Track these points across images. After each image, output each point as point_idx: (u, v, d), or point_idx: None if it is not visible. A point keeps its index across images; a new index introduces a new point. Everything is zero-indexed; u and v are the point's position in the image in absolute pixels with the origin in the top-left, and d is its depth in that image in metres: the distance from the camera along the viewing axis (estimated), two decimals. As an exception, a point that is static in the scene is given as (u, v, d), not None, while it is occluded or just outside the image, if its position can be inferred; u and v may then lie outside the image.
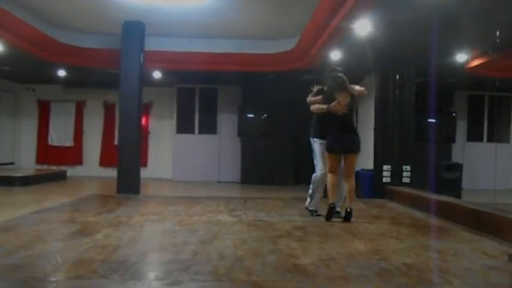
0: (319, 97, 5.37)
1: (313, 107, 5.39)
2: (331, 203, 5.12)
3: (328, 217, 5.11)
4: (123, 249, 3.57)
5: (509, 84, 10.24)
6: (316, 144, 5.44)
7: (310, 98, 5.52)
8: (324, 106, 5.15)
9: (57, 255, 3.34)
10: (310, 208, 5.53)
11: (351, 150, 5.16)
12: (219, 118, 12.45)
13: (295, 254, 3.57)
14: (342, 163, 5.25)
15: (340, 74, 5.24)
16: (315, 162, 5.48)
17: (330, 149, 5.17)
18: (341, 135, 5.14)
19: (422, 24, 6.41)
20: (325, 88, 5.47)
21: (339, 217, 5.22)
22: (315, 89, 5.61)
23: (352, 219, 5.07)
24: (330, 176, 5.20)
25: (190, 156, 12.20)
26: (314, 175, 5.47)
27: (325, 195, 5.51)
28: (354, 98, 5.21)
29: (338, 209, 5.32)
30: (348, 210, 5.08)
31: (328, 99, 5.18)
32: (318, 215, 5.42)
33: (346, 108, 5.07)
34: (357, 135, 5.27)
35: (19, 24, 7.19)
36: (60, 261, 3.20)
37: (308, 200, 5.56)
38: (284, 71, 9.35)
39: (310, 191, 5.51)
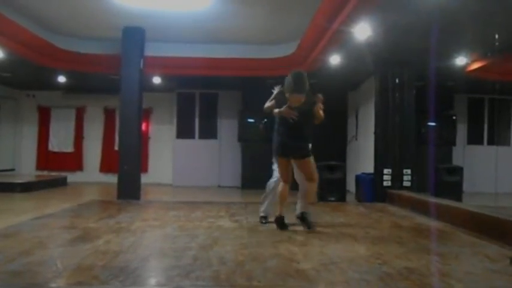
0: (273, 101, 4.89)
1: (267, 109, 4.98)
2: (280, 215, 4.78)
3: (280, 227, 4.77)
4: (124, 255, 3.56)
5: (509, 87, 10.25)
6: None
7: (266, 105, 5.00)
8: (276, 110, 4.75)
9: (58, 262, 3.33)
10: (260, 214, 5.23)
11: (295, 155, 4.80)
12: (219, 123, 12.46)
13: (296, 258, 3.55)
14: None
15: (296, 71, 4.84)
16: (273, 167, 5.26)
17: (273, 150, 4.92)
18: (284, 138, 4.77)
19: (422, 27, 6.43)
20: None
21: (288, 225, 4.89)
22: (276, 91, 5.12)
23: (313, 226, 4.79)
24: (281, 185, 4.86)
25: (190, 161, 12.21)
26: (269, 181, 5.25)
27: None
28: (313, 101, 4.71)
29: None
30: (300, 214, 4.84)
31: (281, 101, 4.74)
32: (267, 222, 5.11)
33: (294, 113, 4.57)
34: (304, 140, 4.81)
35: (19, 30, 7.21)
36: (61, 267, 3.19)
37: (260, 206, 5.27)
38: (284, 75, 9.32)
39: (262, 196, 5.27)
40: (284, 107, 4.64)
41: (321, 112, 4.75)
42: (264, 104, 5.12)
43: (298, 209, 5.04)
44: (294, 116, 4.60)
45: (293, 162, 4.89)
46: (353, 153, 11.77)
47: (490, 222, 4.62)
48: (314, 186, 4.93)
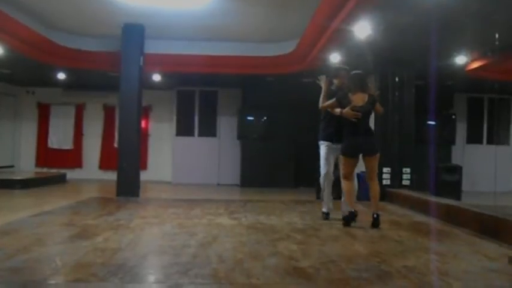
0: (333, 100, 4.99)
1: (325, 108, 5.12)
2: (353, 211, 4.94)
3: (346, 223, 4.93)
4: (123, 252, 3.57)
5: (508, 86, 10.24)
6: (322, 147, 5.27)
7: (324, 104, 5.11)
8: (338, 110, 4.89)
9: (57, 259, 3.34)
10: (323, 210, 5.47)
11: (368, 152, 4.95)
12: (218, 121, 12.44)
13: (295, 256, 3.56)
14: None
15: (358, 72, 4.99)
16: (321, 164, 5.33)
17: (344, 152, 4.98)
18: (356, 138, 4.90)
19: (422, 26, 6.41)
20: (335, 82, 5.28)
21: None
22: (322, 82, 5.24)
23: (380, 226, 4.86)
24: (344, 183, 5.02)
25: (190, 159, 12.19)
26: (320, 178, 5.38)
27: (336, 197, 5.54)
28: (374, 99, 4.97)
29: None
30: (375, 215, 4.87)
31: (342, 101, 4.90)
32: (327, 218, 5.36)
33: (360, 114, 4.79)
34: (373, 136, 5.05)
35: (19, 27, 7.19)
36: (60, 264, 3.19)
37: (323, 204, 5.51)
38: (284, 73, 9.35)
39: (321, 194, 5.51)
40: (347, 108, 4.82)
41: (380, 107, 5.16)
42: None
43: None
44: (358, 116, 4.81)
45: (363, 159, 5.02)
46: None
47: (489, 221, 4.63)
48: (378, 185, 5.12)
